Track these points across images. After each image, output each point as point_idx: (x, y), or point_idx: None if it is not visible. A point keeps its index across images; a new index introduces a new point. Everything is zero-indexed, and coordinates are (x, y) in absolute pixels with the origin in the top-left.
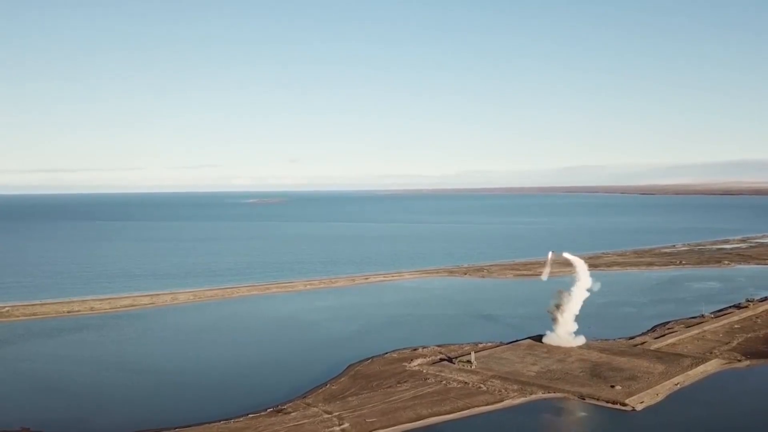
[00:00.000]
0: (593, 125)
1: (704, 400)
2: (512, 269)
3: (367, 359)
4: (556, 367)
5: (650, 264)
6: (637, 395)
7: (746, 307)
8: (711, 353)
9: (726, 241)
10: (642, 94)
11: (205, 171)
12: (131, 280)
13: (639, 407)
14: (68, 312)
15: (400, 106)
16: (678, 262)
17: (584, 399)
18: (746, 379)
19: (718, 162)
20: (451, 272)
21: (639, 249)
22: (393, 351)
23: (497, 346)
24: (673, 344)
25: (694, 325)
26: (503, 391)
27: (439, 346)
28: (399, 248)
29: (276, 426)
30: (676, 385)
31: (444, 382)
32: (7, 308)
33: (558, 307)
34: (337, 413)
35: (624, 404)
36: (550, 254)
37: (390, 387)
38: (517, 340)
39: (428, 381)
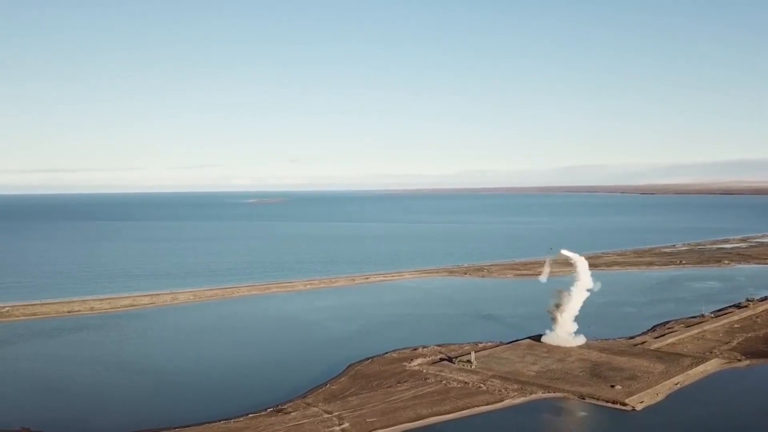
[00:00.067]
0: (593, 125)
1: (704, 399)
2: (512, 269)
3: (367, 359)
4: (556, 367)
5: (650, 264)
6: (637, 395)
7: (746, 306)
8: (711, 353)
9: (726, 241)
10: (642, 94)
11: (205, 171)
12: (131, 280)
13: (639, 407)
14: (68, 312)
15: (400, 106)
16: (678, 261)
17: (584, 399)
18: (746, 378)
19: (718, 162)
20: (451, 272)
21: (639, 249)
22: (393, 351)
23: (497, 346)
24: (673, 344)
25: (694, 325)
26: (503, 390)
27: (439, 345)
28: (399, 248)
29: (276, 426)
30: (676, 384)
31: (444, 381)
32: (7, 308)
33: (558, 306)
34: (337, 413)
35: (624, 404)
36: (548, 258)
37: (390, 387)
38: (517, 340)
39: (428, 381)
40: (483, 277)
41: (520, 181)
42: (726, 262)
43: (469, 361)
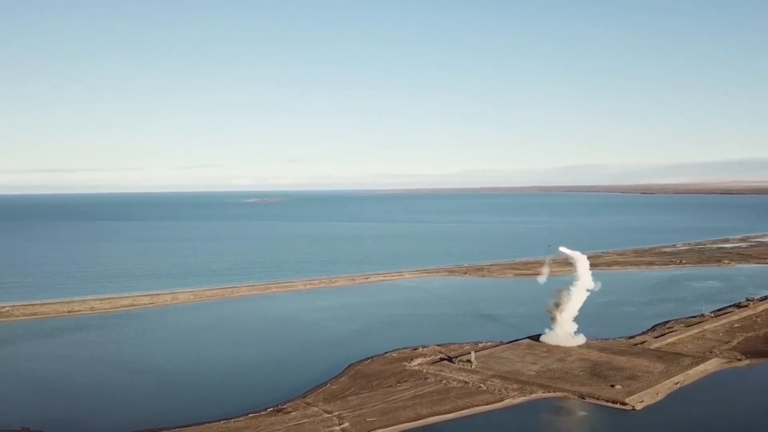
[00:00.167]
0: (593, 125)
1: (704, 399)
2: (512, 269)
3: (367, 359)
4: (556, 367)
5: (650, 263)
6: (637, 394)
7: (746, 306)
8: (711, 352)
9: (726, 240)
10: (642, 94)
11: (205, 171)
12: (131, 279)
13: (639, 406)
14: (68, 312)
15: (400, 106)
16: (678, 261)
17: (584, 398)
18: (746, 378)
19: (718, 161)
20: (451, 272)
21: (639, 248)
22: (393, 350)
23: (497, 346)
24: (673, 343)
25: (694, 325)
26: (503, 390)
27: (439, 345)
28: (399, 248)
29: (276, 425)
30: (676, 384)
31: (444, 381)
32: (7, 308)
33: (557, 306)
34: (337, 413)
35: (624, 403)
36: (548, 258)
37: (390, 386)
38: (517, 340)
39: (428, 380)
40: (483, 276)
41: (520, 181)
42: (726, 261)
43: (469, 361)
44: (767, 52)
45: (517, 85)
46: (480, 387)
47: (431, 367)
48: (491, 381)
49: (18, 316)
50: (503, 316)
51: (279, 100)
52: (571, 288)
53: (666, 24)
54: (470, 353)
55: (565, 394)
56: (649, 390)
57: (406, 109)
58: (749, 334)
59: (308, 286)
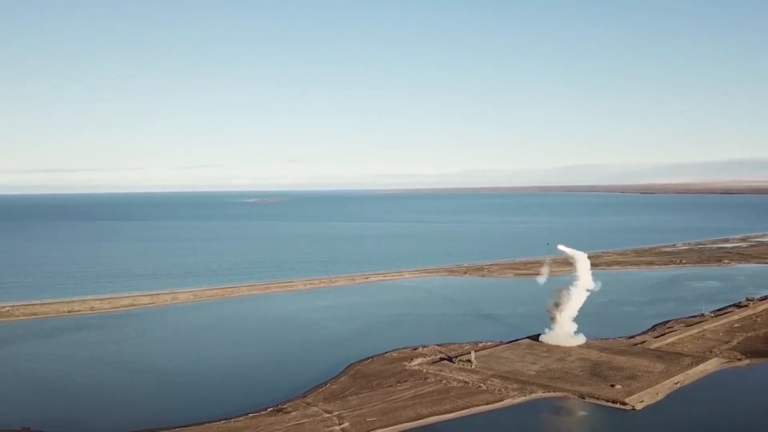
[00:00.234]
0: (593, 125)
1: (704, 399)
2: (512, 268)
3: (367, 359)
4: (556, 367)
5: (650, 263)
6: (637, 394)
7: (746, 306)
8: (711, 352)
9: (726, 240)
10: (642, 94)
11: (205, 171)
12: (131, 279)
13: (639, 406)
14: (68, 312)
15: (400, 106)
16: (678, 261)
17: (584, 398)
18: (746, 378)
19: (718, 161)
20: (451, 271)
21: (639, 248)
22: (393, 350)
23: (497, 346)
24: (673, 343)
25: (694, 324)
26: (503, 390)
27: (439, 345)
28: (399, 248)
29: (276, 425)
30: (676, 384)
31: (444, 381)
32: (7, 308)
33: (557, 305)
34: (337, 412)
35: (624, 403)
36: (547, 258)
37: (390, 386)
38: (517, 340)
39: (428, 380)
40: (483, 276)
41: (520, 181)
42: (726, 261)
43: (469, 361)
44: (767, 52)
45: (517, 85)
46: (480, 387)
47: (431, 367)
48: (491, 381)
49: (18, 316)
50: (503, 316)
51: (279, 100)
52: (571, 288)
53: (666, 24)
54: (470, 353)
55: (565, 393)
56: (649, 390)
57: (406, 109)
58: (749, 334)
59: (308, 286)
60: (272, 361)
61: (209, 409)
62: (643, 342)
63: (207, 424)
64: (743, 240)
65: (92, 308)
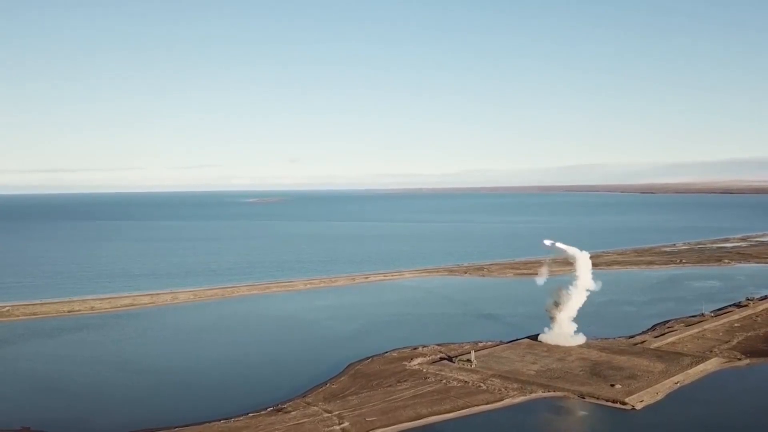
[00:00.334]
0: (593, 125)
1: (704, 398)
2: (512, 268)
3: (367, 358)
4: (556, 366)
5: (650, 263)
6: (637, 394)
7: (746, 305)
8: (711, 352)
9: (726, 240)
10: (642, 94)
11: (205, 171)
12: (131, 279)
13: (639, 406)
14: (68, 311)
15: (400, 106)
16: (678, 260)
17: (584, 398)
18: (746, 377)
19: (718, 161)
20: (451, 271)
21: (639, 248)
22: (393, 350)
23: (497, 345)
24: (673, 343)
25: (694, 324)
26: (503, 390)
27: (439, 345)
28: (399, 248)
29: (276, 425)
30: (676, 383)
31: (444, 381)
32: (7, 308)
33: (557, 305)
34: (337, 412)
35: (624, 403)
36: (547, 258)
37: (390, 386)
38: (517, 339)
39: (428, 380)
40: (483, 276)
41: (520, 181)
42: (726, 261)
43: (469, 360)
44: (767, 52)
45: (517, 85)
46: (480, 386)
47: (431, 366)
48: (491, 380)
49: (18, 316)
50: (503, 316)
51: (279, 100)
52: (571, 287)
53: (666, 24)
54: (470, 353)
55: (565, 393)
56: (649, 389)
57: (406, 109)
58: (749, 334)
59: (308, 286)
60: (272, 361)
61: (209, 408)
62: (643, 342)
63: (207, 424)
64: (743, 240)
65: (92, 308)
